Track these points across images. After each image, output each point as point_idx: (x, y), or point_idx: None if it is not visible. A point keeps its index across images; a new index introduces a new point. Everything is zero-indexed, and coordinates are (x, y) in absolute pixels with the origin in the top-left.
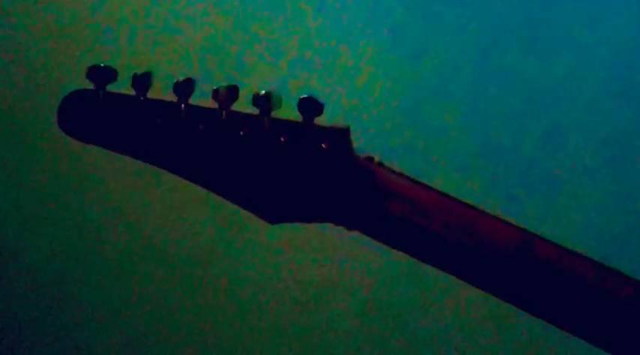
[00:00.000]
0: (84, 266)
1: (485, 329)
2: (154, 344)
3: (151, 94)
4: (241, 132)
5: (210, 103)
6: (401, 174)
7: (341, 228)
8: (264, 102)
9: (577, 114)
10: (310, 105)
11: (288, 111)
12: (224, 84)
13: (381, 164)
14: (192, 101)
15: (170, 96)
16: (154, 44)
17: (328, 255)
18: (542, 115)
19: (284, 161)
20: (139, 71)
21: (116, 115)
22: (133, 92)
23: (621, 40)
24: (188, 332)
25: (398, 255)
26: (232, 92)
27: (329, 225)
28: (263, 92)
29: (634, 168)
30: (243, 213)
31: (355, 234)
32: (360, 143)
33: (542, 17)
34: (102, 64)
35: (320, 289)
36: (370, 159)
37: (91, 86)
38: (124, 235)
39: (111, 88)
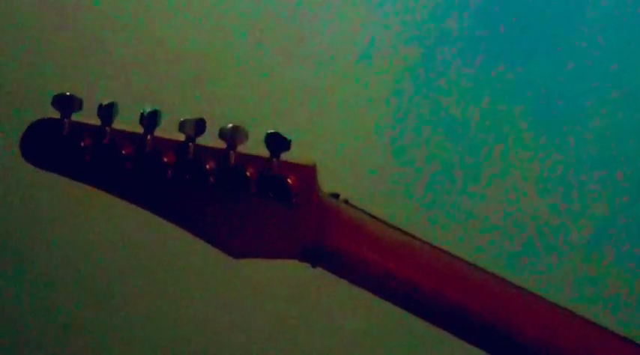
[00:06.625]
0: (84, 266)
1: None
2: (152, 344)
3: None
4: (207, 166)
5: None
6: (366, 213)
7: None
8: (231, 135)
9: None
10: (277, 141)
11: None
12: (191, 117)
13: (346, 202)
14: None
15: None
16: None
17: None
18: None
19: (249, 196)
20: (105, 101)
21: (81, 145)
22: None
23: None
24: (187, 332)
25: None
26: (199, 125)
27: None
28: (230, 125)
29: None
30: None
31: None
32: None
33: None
34: (67, 93)
35: (320, 288)
36: (336, 196)
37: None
38: (122, 234)
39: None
